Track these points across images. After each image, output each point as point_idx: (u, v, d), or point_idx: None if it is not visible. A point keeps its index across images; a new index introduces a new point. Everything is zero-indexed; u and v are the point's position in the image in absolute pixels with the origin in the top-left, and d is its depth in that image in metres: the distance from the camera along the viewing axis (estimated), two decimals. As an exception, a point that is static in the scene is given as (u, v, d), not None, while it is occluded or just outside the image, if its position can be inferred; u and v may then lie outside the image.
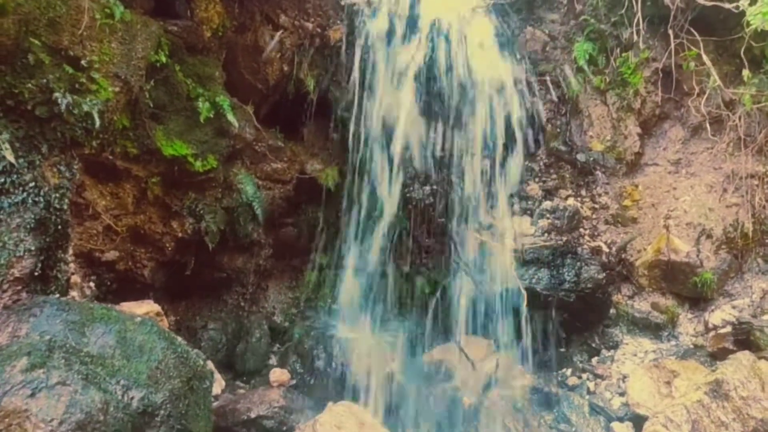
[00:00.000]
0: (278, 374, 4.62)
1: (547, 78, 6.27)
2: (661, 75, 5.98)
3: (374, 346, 4.84)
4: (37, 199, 3.27)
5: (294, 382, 4.62)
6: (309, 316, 5.41)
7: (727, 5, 5.15)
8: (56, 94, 3.42)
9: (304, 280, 5.56)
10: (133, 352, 2.90)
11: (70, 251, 3.61)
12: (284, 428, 4.11)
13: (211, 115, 4.48)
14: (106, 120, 3.73)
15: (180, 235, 4.51)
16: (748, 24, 4.85)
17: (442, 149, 5.58)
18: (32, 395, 2.44)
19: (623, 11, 5.98)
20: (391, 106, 5.43)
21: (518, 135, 5.76)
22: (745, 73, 5.16)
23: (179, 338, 3.14)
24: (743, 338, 4.73)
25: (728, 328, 4.95)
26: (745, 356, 4.18)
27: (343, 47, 5.37)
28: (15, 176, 3.20)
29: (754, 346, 4.55)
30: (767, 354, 4.40)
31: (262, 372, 4.94)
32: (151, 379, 2.84)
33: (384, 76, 5.45)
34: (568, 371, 5.36)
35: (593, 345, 5.59)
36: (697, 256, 5.52)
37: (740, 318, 4.91)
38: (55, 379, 2.52)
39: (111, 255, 4.19)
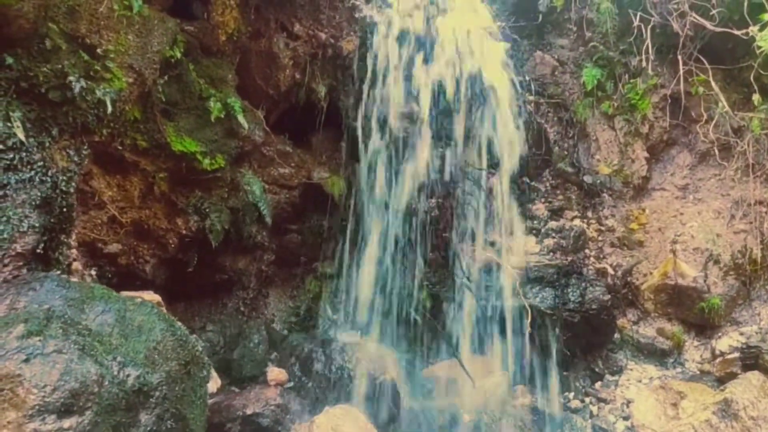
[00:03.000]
0: (276, 373, 4.52)
1: (556, 101, 6.34)
2: (669, 101, 6.02)
3: (374, 356, 4.75)
4: (44, 178, 3.25)
5: (292, 384, 4.52)
6: (309, 324, 5.34)
7: (736, 32, 5.22)
8: (70, 78, 3.42)
9: (305, 288, 5.50)
10: (131, 331, 2.83)
11: (74, 237, 3.57)
12: (279, 428, 4.02)
13: (222, 116, 4.50)
14: (118, 109, 3.74)
15: (184, 232, 4.47)
16: (759, 48, 4.88)
17: (450, 164, 5.58)
18: (27, 361, 2.38)
19: (632, 39, 6.06)
20: (400, 119, 5.46)
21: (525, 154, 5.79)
22: (755, 97, 5.18)
23: (179, 323, 3.08)
24: (752, 362, 4.64)
25: (736, 354, 4.86)
26: (754, 376, 4.09)
27: (355, 58, 5.42)
28: (24, 154, 3.19)
29: (763, 370, 4.45)
30: (776, 376, 4.31)
31: (258, 379, 4.82)
32: (148, 359, 2.77)
33: (394, 90, 5.49)
34: (571, 394, 5.26)
35: (597, 370, 5.49)
36: (704, 281, 5.46)
37: (749, 342, 4.82)
38: (51, 347, 2.46)
39: (113, 248, 4.15)
